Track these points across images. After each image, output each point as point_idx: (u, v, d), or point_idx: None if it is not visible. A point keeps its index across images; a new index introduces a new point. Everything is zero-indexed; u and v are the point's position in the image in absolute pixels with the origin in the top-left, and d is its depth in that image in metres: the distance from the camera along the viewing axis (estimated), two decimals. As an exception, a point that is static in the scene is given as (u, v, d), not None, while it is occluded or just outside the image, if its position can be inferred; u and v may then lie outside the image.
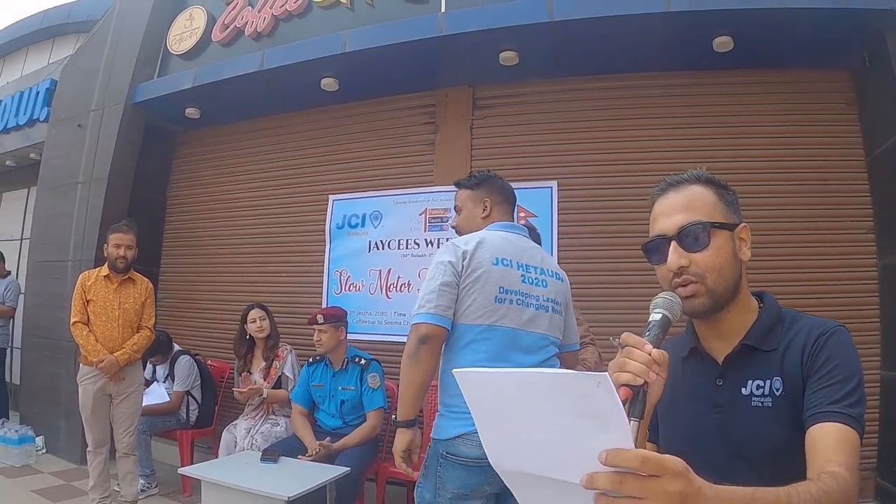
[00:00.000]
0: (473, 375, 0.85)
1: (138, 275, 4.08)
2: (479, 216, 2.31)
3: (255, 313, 4.36)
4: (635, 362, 0.93)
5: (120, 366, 3.82)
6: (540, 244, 2.55)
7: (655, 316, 1.05)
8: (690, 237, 1.14)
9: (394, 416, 2.03)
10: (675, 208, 1.18)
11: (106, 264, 3.99)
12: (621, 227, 4.20)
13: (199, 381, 4.79)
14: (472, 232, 2.22)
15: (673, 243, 1.15)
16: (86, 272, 4.08)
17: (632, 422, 0.85)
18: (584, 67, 4.41)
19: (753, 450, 1.12)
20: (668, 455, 0.74)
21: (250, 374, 4.32)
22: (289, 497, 2.86)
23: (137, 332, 3.99)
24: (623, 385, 0.91)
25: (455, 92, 4.74)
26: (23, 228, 7.64)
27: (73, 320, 3.91)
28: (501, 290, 2.06)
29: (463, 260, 2.04)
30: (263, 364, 4.32)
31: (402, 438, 1.98)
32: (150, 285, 4.13)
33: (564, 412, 0.74)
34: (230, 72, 4.88)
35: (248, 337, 4.40)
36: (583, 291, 4.12)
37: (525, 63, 4.35)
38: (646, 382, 0.92)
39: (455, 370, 0.86)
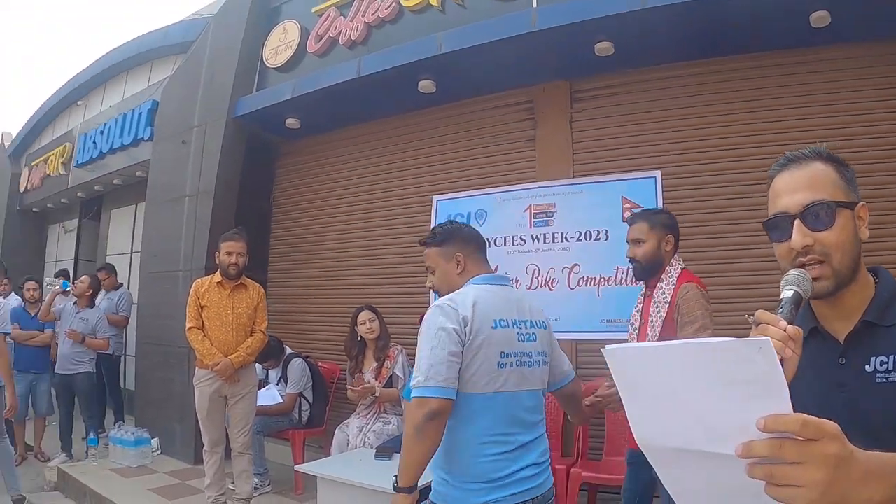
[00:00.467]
0: (622, 352, 0.84)
1: (250, 280, 4.20)
2: (454, 273, 2.19)
3: (364, 315, 4.43)
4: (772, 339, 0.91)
5: (234, 368, 3.94)
6: None
7: (787, 293, 1.04)
8: (815, 216, 1.12)
9: (394, 478, 1.95)
10: (797, 185, 1.15)
11: (218, 271, 4.12)
12: (730, 214, 4.06)
13: (310, 383, 4.92)
14: (450, 290, 2.12)
15: (797, 222, 1.12)
16: (199, 279, 4.22)
17: None
18: (679, 53, 4.28)
19: (882, 427, 1.07)
20: (823, 419, 0.73)
21: (362, 374, 4.39)
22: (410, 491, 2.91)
23: (251, 335, 4.10)
24: None
25: (552, 86, 4.70)
26: (132, 242, 8.06)
27: (188, 326, 4.06)
28: (503, 354, 1.99)
29: (465, 326, 1.93)
30: (375, 364, 4.38)
31: (402, 502, 1.91)
32: (262, 290, 4.24)
33: (718, 381, 0.73)
34: (328, 80, 4.99)
35: (359, 338, 4.47)
36: (696, 266, 4.03)
37: (621, 53, 4.25)
38: (782, 359, 0.89)
39: (605, 347, 0.84)
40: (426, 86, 4.79)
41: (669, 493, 0.88)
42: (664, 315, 2.71)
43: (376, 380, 4.34)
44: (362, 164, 5.65)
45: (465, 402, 1.93)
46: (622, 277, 4.30)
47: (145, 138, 7.05)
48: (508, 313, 2.05)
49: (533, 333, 2.11)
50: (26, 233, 10.69)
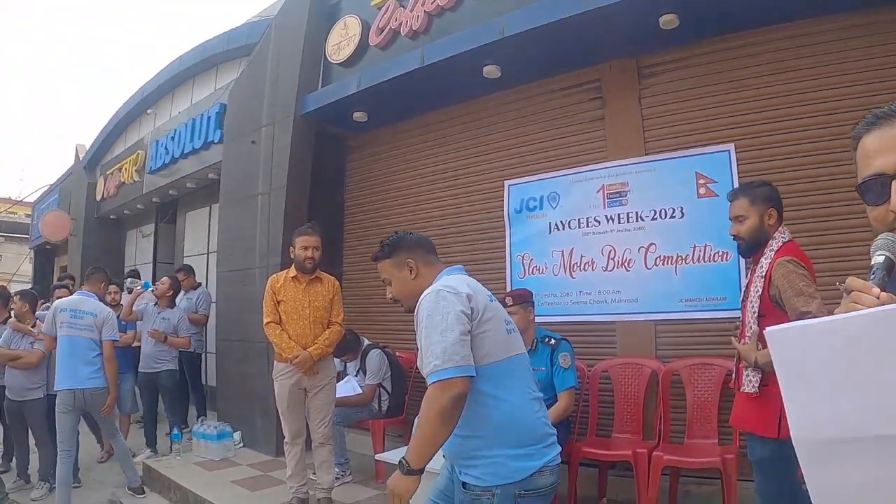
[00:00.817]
0: (782, 333, 0.81)
1: (325, 274, 4.24)
2: (409, 279, 2.25)
3: None
4: (865, 305, 0.91)
5: (313, 360, 3.99)
6: None
7: (878, 258, 1.01)
8: None
9: (403, 459, 1.94)
10: (891, 144, 1.08)
11: (293, 266, 4.18)
12: (809, 185, 3.89)
13: (389, 373, 4.98)
14: (412, 296, 2.18)
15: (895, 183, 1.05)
16: (274, 275, 4.29)
17: None
18: (747, 21, 4.10)
19: None
20: None
21: None
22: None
23: (328, 328, 4.15)
24: None
25: (618, 64, 4.59)
26: (207, 243, 8.34)
27: (265, 321, 4.12)
28: (506, 321, 2.11)
29: (470, 303, 1.97)
30: None
31: (411, 485, 1.93)
32: (337, 283, 4.28)
33: None
34: (393, 72, 5.02)
35: None
36: None
37: (686, 24, 4.10)
38: None
39: (767, 330, 0.83)
40: (491, 71, 4.76)
41: (815, 497, 0.83)
42: (761, 291, 2.63)
43: None
44: (431, 153, 5.68)
45: (496, 372, 1.98)
46: (700, 255, 4.19)
47: (215, 141, 7.27)
48: (486, 291, 2.16)
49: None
50: (105, 239, 11.23)
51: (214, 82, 7.98)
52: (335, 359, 4.71)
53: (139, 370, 5.92)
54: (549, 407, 3.77)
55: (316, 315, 4.08)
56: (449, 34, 4.86)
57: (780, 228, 2.76)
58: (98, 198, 10.99)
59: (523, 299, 3.98)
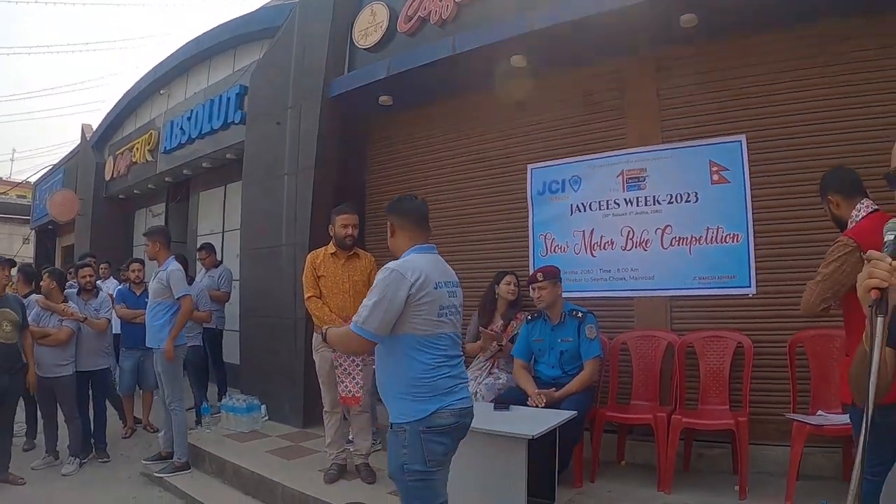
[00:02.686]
0: None
1: (362, 250, 4.46)
2: (388, 236, 2.82)
3: (509, 278, 4.80)
4: (881, 270, 1.24)
5: None
6: None
7: (889, 236, 1.32)
8: None
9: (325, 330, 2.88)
10: None
11: (332, 243, 4.40)
12: (813, 176, 4.15)
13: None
14: (391, 250, 2.82)
15: None
16: (314, 252, 4.49)
17: (879, 318, 1.21)
18: (761, 22, 4.39)
19: None
20: None
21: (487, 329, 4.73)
22: (533, 436, 3.23)
23: None
24: (873, 288, 1.23)
25: (639, 57, 4.85)
26: (223, 222, 8.53)
27: (307, 295, 4.33)
28: (441, 307, 2.58)
29: (410, 289, 2.49)
30: (501, 323, 4.68)
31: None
32: (374, 259, 4.46)
33: None
34: (423, 59, 5.23)
35: (495, 297, 4.83)
36: (782, 239, 4.29)
37: (704, 23, 4.38)
38: (889, 287, 1.23)
39: None
40: (518, 60, 4.99)
41: None
42: None
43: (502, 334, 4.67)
44: (455, 136, 5.90)
45: (420, 342, 2.53)
46: (713, 237, 4.51)
47: (236, 122, 7.43)
48: (441, 276, 2.64)
49: (455, 291, 2.72)
50: (114, 219, 11.34)
51: (233, 63, 8.12)
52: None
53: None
54: (575, 375, 4.12)
55: (356, 290, 4.24)
56: (475, 23, 5.09)
57: (862, 204, 2.74)
58: (107, 178, 11.08)
59: (553, 276, 4.28)
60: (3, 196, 22.25)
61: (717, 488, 3.87)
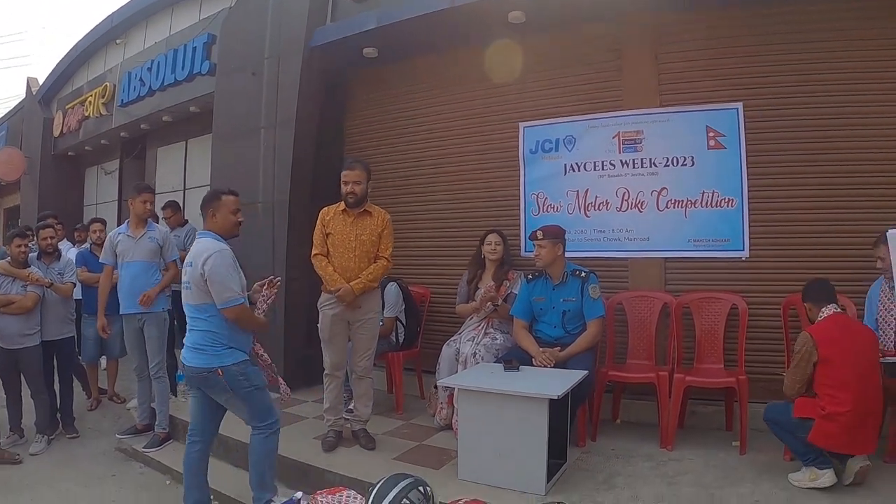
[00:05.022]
0: None
1: (376, 207, 4.21)
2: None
3: (492, 237, 4.66)
4: None
5: (355, 294, 3.97)
6: None
7: None
8: None
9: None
10: None
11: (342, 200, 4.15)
12: (814, 145, 4.31)
13: (404, 306, 5.11)
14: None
15: None
16: (325, 208, 4.24)
17: None
18: None
19: None
20: None
21: (478, 289, 4.63)
22: (557, 396, 3.19)
23: (375, 262, 4.12)
24: None
25: (638, 18, 4.75)
26: (183, 179, 8.16)
27: (313, 252, 4.15)
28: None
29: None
30: (492, 283, 4.58)
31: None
32: (387, 216, 4.21)
33: None
34: (417, 10, 4.97)
35: (482, 257, 4.71)
36: (776, 205, 4.35)
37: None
38: None
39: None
40: (516, 16, 4.84)
41: None
42: None
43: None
44: (442, 92, 5.70)
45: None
46: (708, 201, 4.54)
47: (203, 72, 7.06)
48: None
49: (185, 270, 3.33)
50: (63, 177, 10.73)
51: (199, 11, 7.69)
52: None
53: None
54: (578, 335, 4.09)
55: (362, 249, 4.06)
56: (474, -25, 4.87)
57: (823, 311, 3.41)
58: (56, 134, 10.43)
59: (553, 235, 4.20)
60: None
61: (715, 444, 3.93)
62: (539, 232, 4.21)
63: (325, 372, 4.22)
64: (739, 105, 4.47)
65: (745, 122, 4.46)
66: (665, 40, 4.75)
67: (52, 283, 4.98)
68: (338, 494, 2.38)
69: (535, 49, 5.16)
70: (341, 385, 4.24)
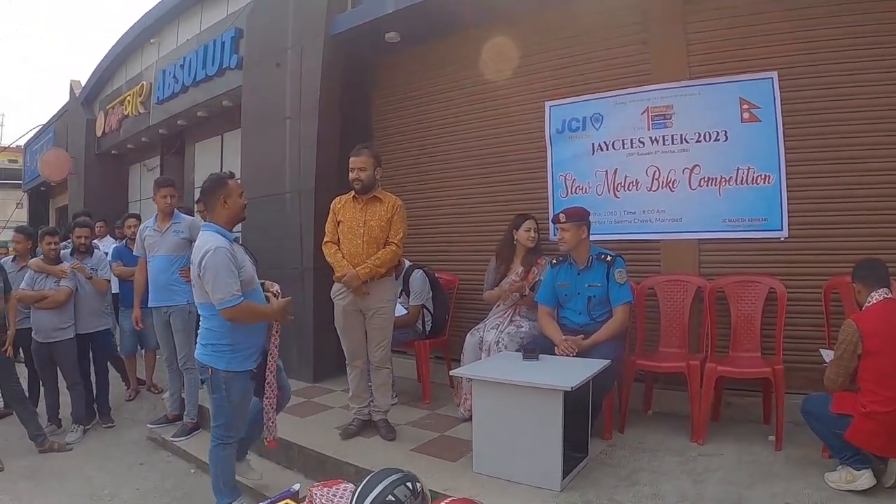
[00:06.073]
0: None
1: (387, 193, 4.13)
2: None
3: (530, 223, 4.52)
4: None
5: (360, 280, 3.88)
6: None
7: None
8: None
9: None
10: None
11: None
12: (853, 115, 3.96)
13: (430, 294, 5.02)
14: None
15: None
16: (338, 197, 4.21)
17: None
18: None
19: None
20: None
21: (506, 276, 4.50)
22: (571, 388, 3.00)
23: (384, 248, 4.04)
24: None
25: (663, -18, 4.52)
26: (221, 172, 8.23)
27: (324, 240, 4.12)
28: None
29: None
30: (521, 269, 4.45)
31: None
32: (398, 202, 4.12)
33: None
34: (435, -10, 4.86)
35: (514, 243, 4.57)
36: (816, 181, 4.05)
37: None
38: None
39: None
40: (536, -11, 4.68)
41: None
42: None
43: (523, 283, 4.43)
44: (466, 74, 5.56)
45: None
46: (743, 178, 4.25)
47: (231, 66, 7.10)
48: None
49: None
50: (107, 176, 11.05)
51: (227, 6, 7.73)
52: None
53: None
54: (604, 322, 3.91)
55: (370, 234, 3.99)
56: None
57: (872, 295, 3.10)
58: (98, 133, 10.72)
59: (577, 217, 4.03)
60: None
61: (750, 438, 3.69)
62: (562, 215, 4.05)
63: (347, 362, 4.20)
64: (774, 74, 4.16)
65: (780, 93, 4.14)
66: (693, 7, 4.48)
67: (91, 276, 5.17)
68: (335, 487, 2.30)
69: (558, 23, 4.97)
70: (364, 374, 4.19)
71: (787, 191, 4.12)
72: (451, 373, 4.00)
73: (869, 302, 3.07)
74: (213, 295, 3.04)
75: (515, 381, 3.20)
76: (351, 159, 4.06)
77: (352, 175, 4.03)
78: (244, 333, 3.20)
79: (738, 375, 3.76)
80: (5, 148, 21.58)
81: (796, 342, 3.97)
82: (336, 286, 4.10)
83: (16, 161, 21.08)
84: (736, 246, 4.30)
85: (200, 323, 3.31)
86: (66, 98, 12.36)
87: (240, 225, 5.72)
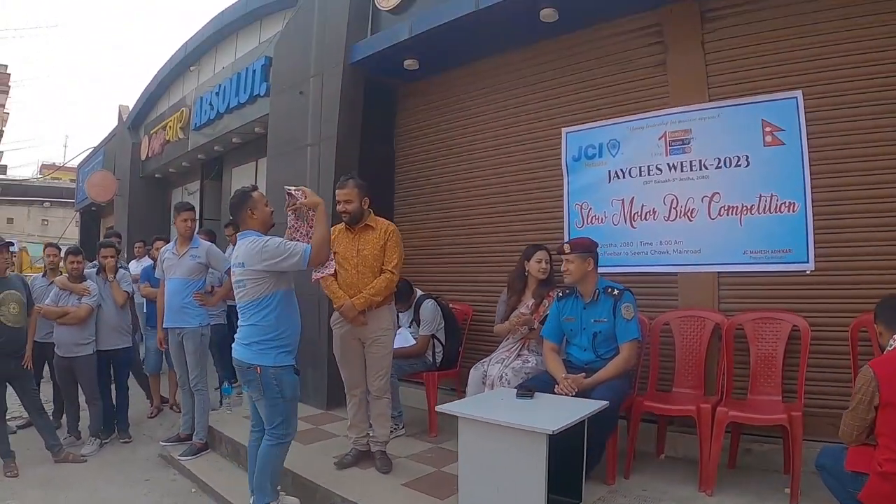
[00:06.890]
0: None
1: (379, 220, 4.08)
2: None
3: (541, 255, 4.38)
4: None
5: (357, 310, 3.84)
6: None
7: None
8: None
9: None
10: None
11: None
12: (880, 136, 3.68)
13: (442, 324, 4.91)
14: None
15: None
16: (333, 226, 4.19)
17: None
18: None
19: None
20: None
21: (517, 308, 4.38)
22: (553, 431, 2.82)
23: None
24: None
25: (681, 7, 4.35)
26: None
27: None
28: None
29: None
30: (532, 301, 4.32)
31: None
32: (392, 228, 4.08)
33: None
34: (445, 16, 4.84)
35: (525, 274, 4.44)
36: (845, 208, 3.77)
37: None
38: None
39: None
40: (548, 14, 4.56)
41: None
42: None
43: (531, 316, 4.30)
44: (485, 101, 5.53)
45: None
46: (766, 206, 4.01)
47: (261, 94, 7.24)
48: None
49: (234, 270, 3.51)
50: (150, 198, 11.42)
51: (259, 36, 7.92)
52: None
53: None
54: (610, 359, 3.72)
55: (364, 264, 3.95)
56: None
57: (894, 338, 2.74)
58: (143, 157, 11.12)
59: (582, 248, 3.85)
60: (56, 180, 22.90)
61: (764, 490, 3.42)
62: (566, 245, 3.89)
63: (345, 390, 4.17)
64: (798, 94, 3.92)
65: (805, 113, 3.90)
66: (712, 26, 4.30)
67: (114, 279, 5.45)
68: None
69: (572, 48, 4.90)
70: (362, 403, 4.14)
71: (814, 219, 3.85)
72: (438, 408, 3.87)
73: (890, 346, 2.72)
74: (290, 259, 3.35)
75: (498, 420, 3.04)
76: (336, 191, 4.04)
77: (338, 207, 4.01)
78: (289, 323, 3.47)
79: (751, 421, 3.50)
80: (59, 168, 22.64)
81: (821, 385, 3.70)
82: (335, 315, 4.08)
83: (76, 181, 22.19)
84: (757, 279, 4.05)
85: (244, 322, 3.43)
86: (115, 122, 12.87)
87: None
